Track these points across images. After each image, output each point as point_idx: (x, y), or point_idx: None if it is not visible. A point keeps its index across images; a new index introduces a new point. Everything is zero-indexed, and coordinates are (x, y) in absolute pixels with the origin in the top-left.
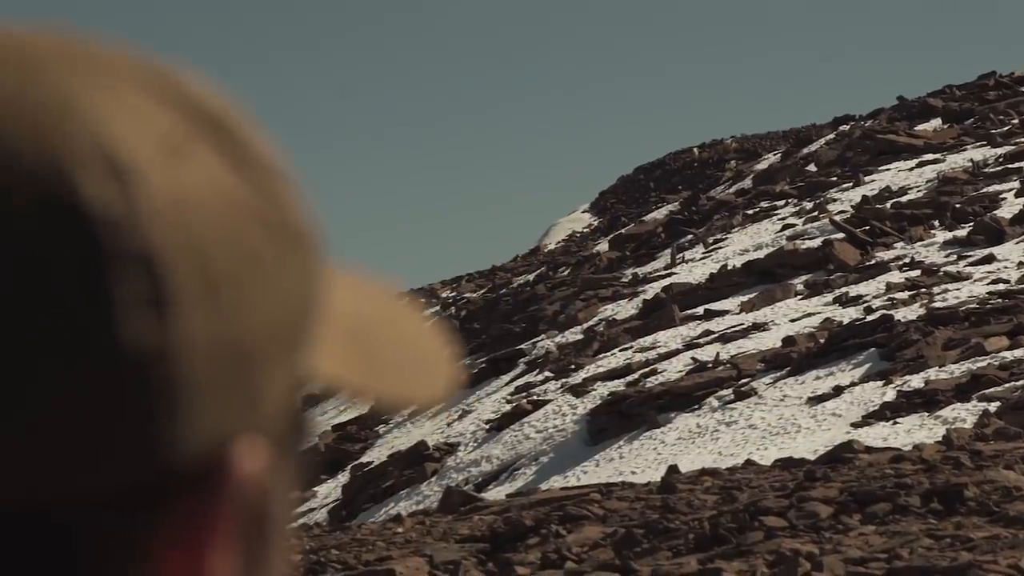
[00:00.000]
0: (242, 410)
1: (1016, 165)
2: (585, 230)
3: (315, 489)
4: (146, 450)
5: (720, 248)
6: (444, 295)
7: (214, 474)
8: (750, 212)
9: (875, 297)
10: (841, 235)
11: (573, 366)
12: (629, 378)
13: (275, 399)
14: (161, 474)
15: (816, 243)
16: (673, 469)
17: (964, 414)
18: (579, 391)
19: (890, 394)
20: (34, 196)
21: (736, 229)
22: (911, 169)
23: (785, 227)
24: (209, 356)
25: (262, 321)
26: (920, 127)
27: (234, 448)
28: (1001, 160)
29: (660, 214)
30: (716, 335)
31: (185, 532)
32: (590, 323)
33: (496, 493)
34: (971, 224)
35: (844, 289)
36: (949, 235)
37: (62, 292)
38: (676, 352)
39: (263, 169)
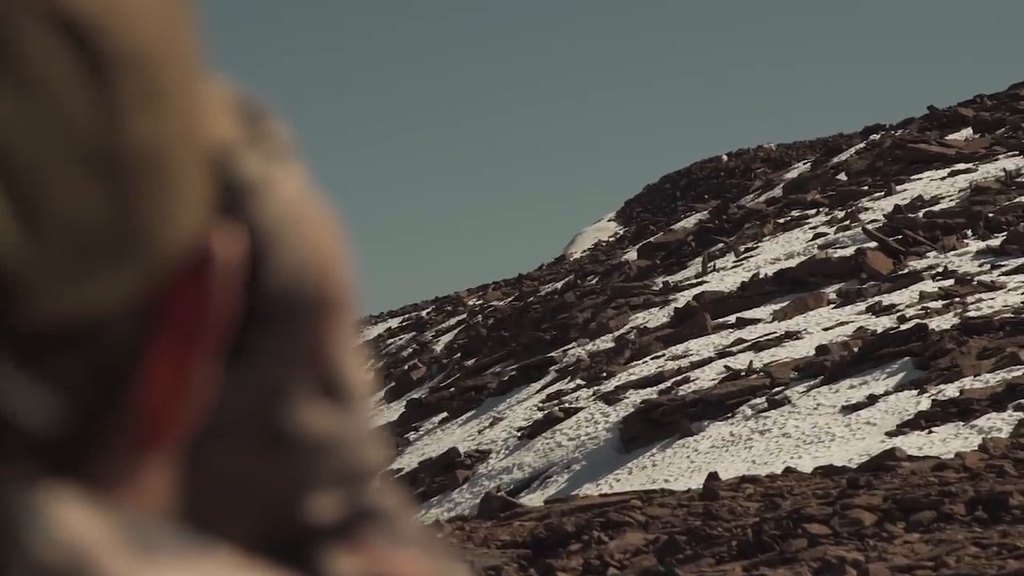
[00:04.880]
0: (213, 198)
1: None
2: (611, 239)
3: None
4: (148, 244)
5: (751, 257)
6: (471, 303)
7: (198, 265)
8: (781, 221)
9: (908, 306)
10: (873, 244)
11: (605, 374)
12: (661, 386)
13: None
14: (157, 269)
15: (848, 252)
16: (713, 476)
17: (1000, 423)
18: (611, 399)
19: (925, 403)
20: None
21: (767, 238)
22: (943, 179)
23: (816, 236)
24: (188, 146)
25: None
26: (951, 137)
27: (213, 236)
28: None
29: (689, 222)
30: (749, 343)
31: (173, 329)
32: (621, 331)
33: (528, 500)
34: (1004, 234)
35: (877, 298)
36: (982, 244)
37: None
38: (708, 360)
39: None
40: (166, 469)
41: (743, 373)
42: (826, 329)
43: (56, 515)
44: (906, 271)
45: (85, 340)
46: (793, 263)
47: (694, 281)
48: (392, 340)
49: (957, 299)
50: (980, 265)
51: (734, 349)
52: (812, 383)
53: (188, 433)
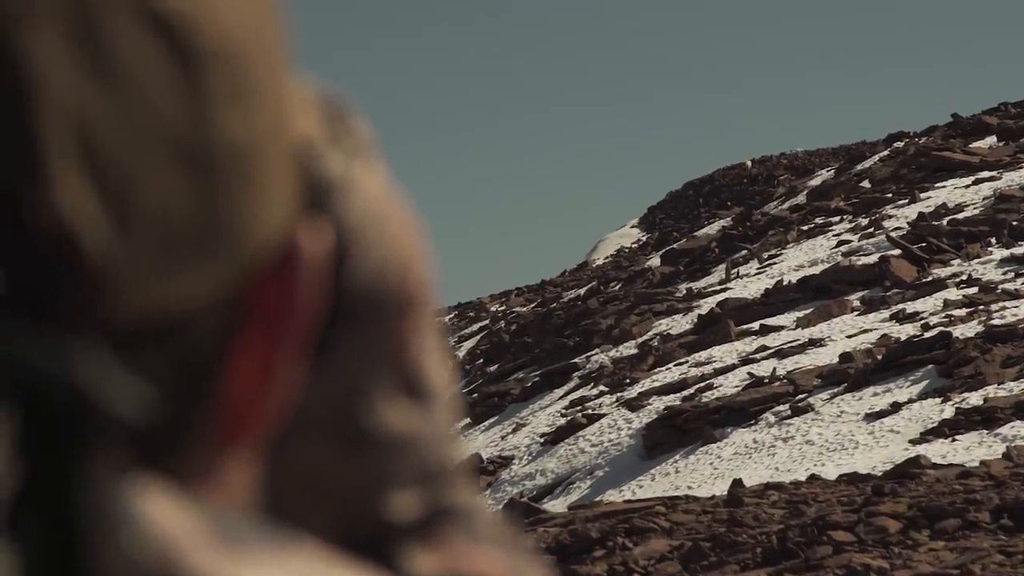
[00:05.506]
0: (300, 195)
1: None
2: (634, 245)
3: None
4: (235, 240)
5: (775, 264)
6: (493, 309)
7: (285, 261)
8: (804, 228)
9: (932, 314)
10: (897, 251)
11: (628, 380)
12: (685, 393)
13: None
14: (244, 265)
15: (872, 259)
16: (738, 483)
17: None
18: (634, 405)
19: (948, 411)
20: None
21: (790, 245)
22: (967, 186)
23: (840, 243)
24: (275, 143)
25: (280, 118)
26: (975, 144)
27: (299, 232)
28: None
29: (713, 229)
30: (772, 350)
31: (259, 325)
32: (644, 337)
33: (551, 507)
34: None
35: (901, 305)
36: (1006, 252)
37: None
38: (732, 367)
39: None
40: (250, 464)
41: (766, 380)
42: (850, 336)
43: (146, 507)
44: (930, 279)
45: (172, 335)
46: (817, 270)
47: (717, 288)
48: None
49: (981, 307)
50: (1004, 273)
51: (757, 356)
52: (836, 390)
53: (272, 429)
